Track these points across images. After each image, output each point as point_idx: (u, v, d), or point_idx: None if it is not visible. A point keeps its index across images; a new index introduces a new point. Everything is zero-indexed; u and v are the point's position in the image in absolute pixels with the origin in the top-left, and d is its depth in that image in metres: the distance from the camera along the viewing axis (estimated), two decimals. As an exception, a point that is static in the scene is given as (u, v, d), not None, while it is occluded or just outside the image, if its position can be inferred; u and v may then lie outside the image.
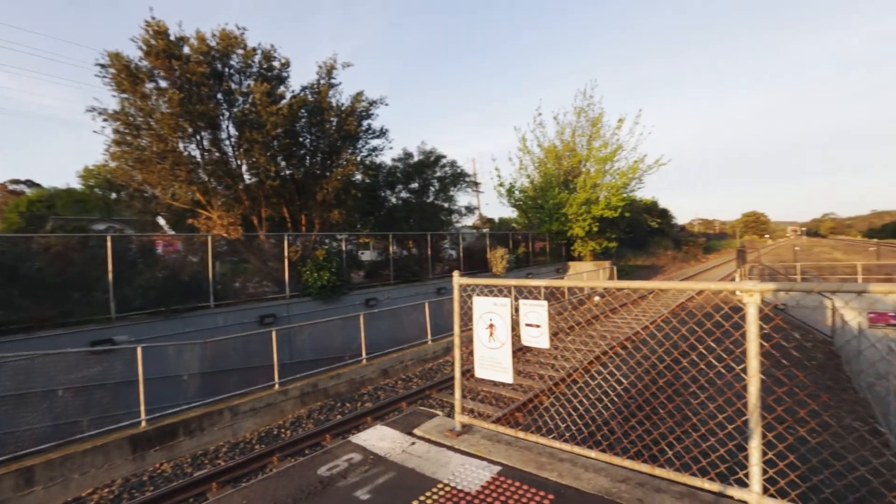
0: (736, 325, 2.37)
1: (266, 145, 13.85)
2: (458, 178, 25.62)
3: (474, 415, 8.31)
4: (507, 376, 3.15)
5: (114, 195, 21.33)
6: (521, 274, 23.97)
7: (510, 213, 33.74)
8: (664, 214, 50.05)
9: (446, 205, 25.99)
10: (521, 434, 3.22)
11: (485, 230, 32.82)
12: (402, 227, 22.66)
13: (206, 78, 12.79)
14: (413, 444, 3.33)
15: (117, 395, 8.76)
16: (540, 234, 28.99)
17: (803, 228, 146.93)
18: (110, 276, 10.48)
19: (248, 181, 15.18)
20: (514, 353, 12.30)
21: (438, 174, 25.00)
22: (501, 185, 31.19)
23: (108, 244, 10.59)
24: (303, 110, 15.33)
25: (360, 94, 16.89)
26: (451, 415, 3.69)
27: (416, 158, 24.42)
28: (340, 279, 15.18)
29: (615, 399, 5.35)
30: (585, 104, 29.06)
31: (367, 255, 24.41)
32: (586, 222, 27.39)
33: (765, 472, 2.26)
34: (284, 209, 16.49)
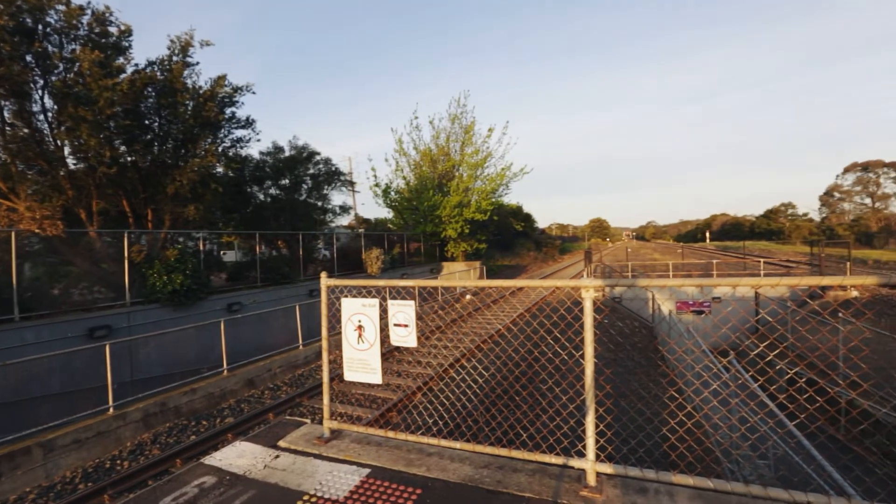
0: (577, 317, 2.73)
1: (98, 125, 11.70)
2: (332, 176, 24.80)
3: (346, 419, 8.13)
4: (376, 377, 3.15)
5: None
6: (396, 274, 24.16)
7: (386, 213, 33.76)
8: (528, 219, 55.02)
9: (320, 203, 24.98)
10: (391, 434, 3.25)
11: (360, 230, 32.33)
12: (272, 225, 21.13)
13: (10, 34, 10.33)
14: (277, 457, 3.12)
15: None
16: (415, 235, 29.57)
17: (634, 233, 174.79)
18: None
19: (73, 166, 12.64)
20: (390, 353, 12.29)
21: (312, 171, 23.90)
22: (377, 185, 31.09)
23: None
24: (150, 89, 13.32)
25: (222, 77, 15.30)
26: (321, 422, 3.56)
27: (287, 153, 23.00)
28: (197, 282, 13.54)
29: (478, 391, 5.73)
30: (459, 112, 30.55)
31: (230, 256, 22.20)
32: (459, 224, 28.74)
33: (598, 441, 2.63)
34: (125, 202, 14.12)
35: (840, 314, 11.04)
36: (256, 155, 22.31)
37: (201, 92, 14.63)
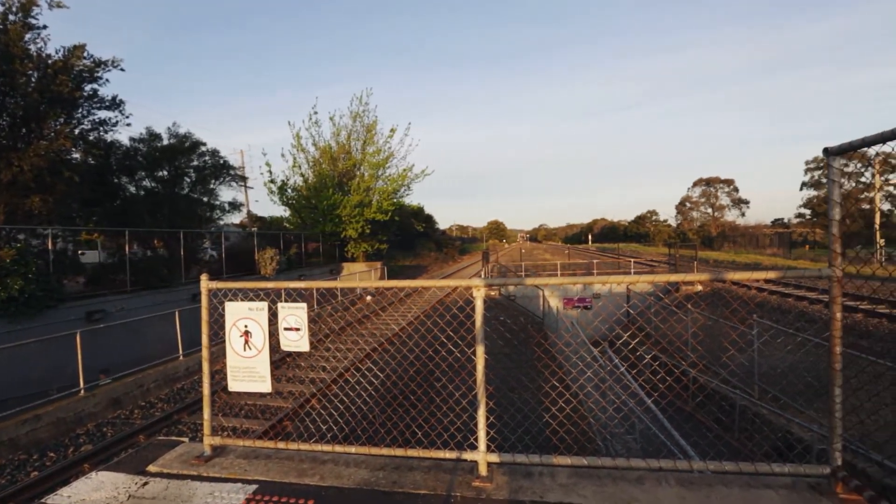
0: (470, 315, 2.85)
1: None
2: (221, 169, 22.81)
3: (233, 433, 7.53)
4: (264, 386, 2.96)
5: None
6: (293, 276, 22.97)
7: (283, 212, 31.89)
8: (429, 220, 55.95)
9: (206, 199, 22.80)
10: (282, 445, 3.08)
11: (253, 229, 30.12)
12: (146, 222, 18.70)
13: None
14: (146, 484, 2.78)
15: None
16: (314, 234, 28.39)
17: (528, 235, 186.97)
18: None
19: None
20: (283, 359, 11.63)
21: (196, 163, 21.71)
22: (273, 181, 29.23)
23: None
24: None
25: (79, 47, 13.19)
26: (202, 439, 3.24)
27: (165, 142, 20.55)
28: (44, 288, 11.47)
29: (373, 393, 5.68)
30: (361, 110, 29.97)
31: (91, 257, 19.17)
32: (359, 224, 28.22)
33: (489, 433, 2.78)
34: (-64, 190, 11.45)
35: (689, 305, 13.07)
36: (126, 141, 19.60)
37: (50, 62, 12.44)
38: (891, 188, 49.31)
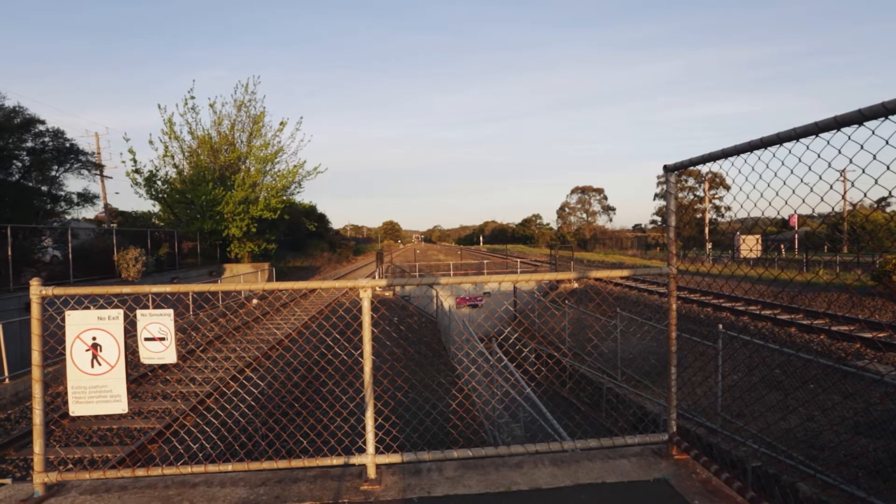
0: (356, 316, 2.80)
1: None
2: (67, 154, 19.37)
3: (81, 466, 6.43)
4: (119, 406, 2.57)
5: None
6: (164, 279, 20.42)
7: (152, 206, 28.12)
8: (322, 219, 53.70)
9: (46, 188, 19.15)
10: (141, 472, 2.71)
11: (112, 225, 26.08)
12: (-47, 214, 15.06)
13: None
14: (-52, 539, 2.24)
15: None
16: (190, 232, 25.52)
17: (423, 236, 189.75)
18: None
19: None
20: (148, 374, 10.29)
21: (31, 145, 18.10)
22: (138, 171, 25.58)
23: None
24: None
25: None
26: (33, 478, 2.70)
27: (-17, 116, 16.79)
28: None
29: (252, 404, 5.30)
30: (247, 99, 27.69)
31: None
32: (244, 222, 26.09)
33: (377, 434, 2.76)
34: None
35: (562, 301, 14.49)
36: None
37: None
38: (717, 201, 60.21)
